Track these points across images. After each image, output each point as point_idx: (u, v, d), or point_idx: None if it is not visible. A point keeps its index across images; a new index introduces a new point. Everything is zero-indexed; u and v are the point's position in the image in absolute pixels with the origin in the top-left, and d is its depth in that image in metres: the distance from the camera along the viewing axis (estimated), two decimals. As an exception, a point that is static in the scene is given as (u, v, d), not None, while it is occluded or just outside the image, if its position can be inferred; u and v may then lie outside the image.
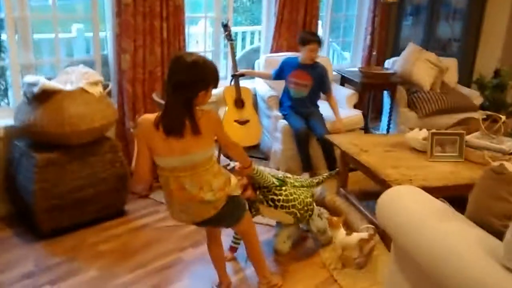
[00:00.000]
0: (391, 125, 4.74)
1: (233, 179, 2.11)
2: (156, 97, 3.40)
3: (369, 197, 3.51)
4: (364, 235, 2.68)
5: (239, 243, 2.74)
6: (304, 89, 3.92)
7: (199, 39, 4.82)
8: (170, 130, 1.89)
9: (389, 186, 2.62)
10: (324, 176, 2.96)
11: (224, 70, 4.52)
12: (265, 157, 4.24)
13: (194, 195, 1.98)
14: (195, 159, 1.95)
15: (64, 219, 2.87)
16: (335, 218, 2.76)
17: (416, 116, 4.48)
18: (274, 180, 2.58)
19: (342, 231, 2.71)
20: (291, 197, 2.58)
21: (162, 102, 3.36)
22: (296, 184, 2.70)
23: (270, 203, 2.56)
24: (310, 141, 3.82)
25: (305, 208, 2.65)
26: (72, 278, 2.51)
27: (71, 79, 2.95)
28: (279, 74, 3.99)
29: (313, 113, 3.94)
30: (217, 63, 4.40)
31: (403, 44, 5.29)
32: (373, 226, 2.80)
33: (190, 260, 2.74)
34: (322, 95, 4.07)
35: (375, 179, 2.92)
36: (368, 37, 5.27)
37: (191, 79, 1.86)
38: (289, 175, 2.81)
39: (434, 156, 3.03)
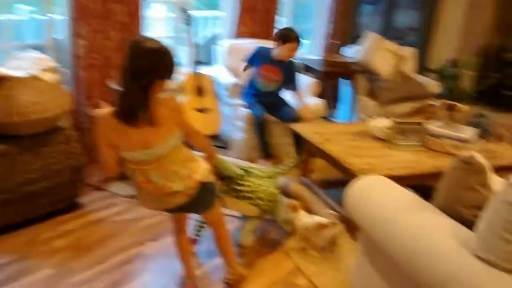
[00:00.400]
0: (350, 113, 4.77)
1: (205, 165, 2.02)
2: (112, 84, 3.25)
3: (332, 185, 3.52)
4: (323, 220, 2.67)
5: (200, 235, 2.67)
6: (273, 84, 3.86)
7: (157, 24, 4.64)
8: (126, 119, 1.78)
9: (353, 175, 2.62)
10: (288, 165, 2.92)
11: (184, 57, 4.38)
12: (225, 146, 4.16)
13: (162, 187, 1.90)
14: (158, 152, 1.86)
15: (15, 215, 2.69)
16: (295, 202, 2.78)
17: (375, 104, 4.51)
18: (238, 170, 2.51)
19: (303, 213, 2.74)
20: (256, 188, 2.52)
21: (120, 89, 3.23)
22: (261, 174, 2.64)
23: (234, 194, 2.49)
24: (271, 129, 3.77)
25: (271, 199, 2.60)
26: (25, 277, 2.35)
27: (22, 65, 2.76)
28: (251, 62, 3.87)
29: (278, 102, 3.89)
30: (176, 49, 4.26)
31: (362, 32, 5.32)
32: (335, 213, 2.79)
33: (151, 253, 2.64)
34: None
35: (339, 168, 2.91)
36: (329, 25, 5.25)
37: (151, 65, 1.76)
38: (253, 165, 2.75)
39: (396, 145, 3.05)
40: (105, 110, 1.83)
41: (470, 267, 1.47)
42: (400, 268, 1.75)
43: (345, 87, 4.95)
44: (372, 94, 4.57)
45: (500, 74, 4.81)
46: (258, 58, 3.83)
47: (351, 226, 2.77)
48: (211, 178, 2.06)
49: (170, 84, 3.88)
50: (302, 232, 2.70)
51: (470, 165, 1.73)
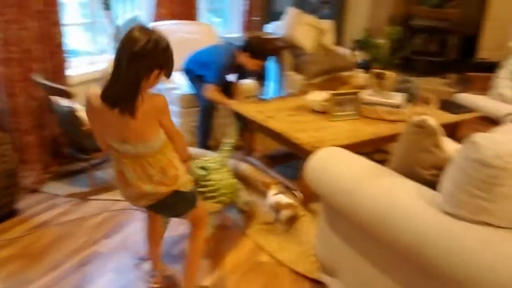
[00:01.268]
0: (278, 89, 4.85)
1: (187, 177, 1.94)
2: (37, 77, 3.02)
3: (275, 161, 3.59)
4: (284, 200, 2.73)
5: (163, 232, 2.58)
6: None
7: (70, 10, 4.33)
8: (108, 100, 1.68)
9: (303, 150, 2.69)
10: (229, 146, 2.84)
11: (105, 43, 4.16)
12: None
13: (133, 184, 1.83)
14: (134, 150, 1.78)
15: None
16: (269, 180, 2.84)
17: (302, 78, 4.63)
18: (199, 170, 2.45)
19: (272, 192, 2.78)
20: (218, 185, 2.46)
21: (45, 82, 3.01)
22: (216, 166, 2.59)
23: (199, 196, 2.43)
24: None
25: (232, 190, 2.57)
26: (-27, 296, 2.17)
27: None
28: (222, 78, 3.61)
29: None
30: (94, 35, 4.04)
31: (278, 8, 5.39)
32: (294, 202, 2.84)
33: (107, 252, 2.53)
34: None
35: (285, 144, 2.97)
36: (244, 1, 5.24)
37: (154, 51, 1.66)
38: (206, 157, 2.70)
39: (334, 116, 3.17)
40: (97, 89, 1.73)
41: (441, 224, 1.58)
42: (369, 234, 1.85)
43: (269, 63, 5.01)
44: (297, 69, 4.68)
45: (410, 40, 5.15)
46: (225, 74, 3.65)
47: (305, 199, 2.87)
48: (188, 188, 1.96)
49: (96, 72, 3.69)
50: (267, 208, 2.76)
51: (423, 129, 1.85)
